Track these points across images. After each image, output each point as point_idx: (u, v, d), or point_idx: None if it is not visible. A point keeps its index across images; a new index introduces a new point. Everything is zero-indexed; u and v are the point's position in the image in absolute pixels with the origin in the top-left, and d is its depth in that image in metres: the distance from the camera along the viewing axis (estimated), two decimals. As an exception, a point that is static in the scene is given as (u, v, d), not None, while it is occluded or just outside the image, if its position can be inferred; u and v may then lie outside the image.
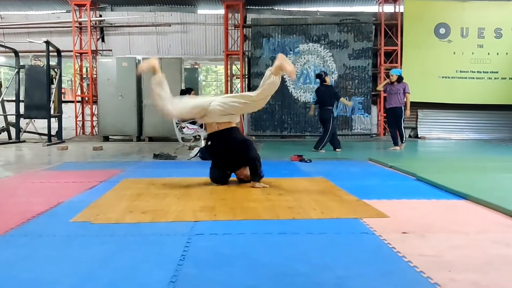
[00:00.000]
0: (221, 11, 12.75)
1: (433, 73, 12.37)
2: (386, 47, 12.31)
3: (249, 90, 12.67)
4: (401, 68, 11.80)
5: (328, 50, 12.21)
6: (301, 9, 13.23)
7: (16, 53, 11.19)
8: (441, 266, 2.13)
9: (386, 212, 3.20)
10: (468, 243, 2.53)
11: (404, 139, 8.89)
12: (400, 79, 8.80)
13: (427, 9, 12.39)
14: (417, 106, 12.51)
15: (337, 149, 8.38)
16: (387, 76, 9.36)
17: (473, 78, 12.46)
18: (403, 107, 8.74)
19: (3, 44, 11.43)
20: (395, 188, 4.39)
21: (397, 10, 12.39)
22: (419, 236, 2.65)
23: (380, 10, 12.34)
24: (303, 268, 2.10)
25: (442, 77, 12.44)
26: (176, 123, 8.04)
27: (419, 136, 12.68)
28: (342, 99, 8.63)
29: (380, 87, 9.49)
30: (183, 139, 8.19)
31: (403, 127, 8.91)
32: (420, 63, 12.28)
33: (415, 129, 12.92)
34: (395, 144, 8.89)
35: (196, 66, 14.03)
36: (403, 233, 2.70)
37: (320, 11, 13.26)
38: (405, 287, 1.90)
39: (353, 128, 12.34)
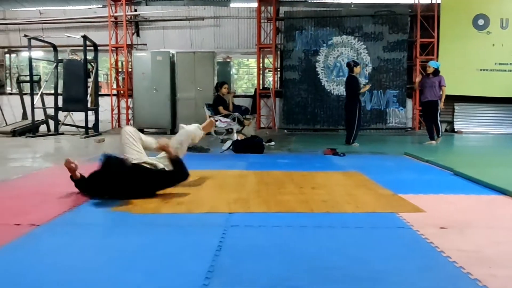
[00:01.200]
0: (254, 4, 12.72)
1: (471, 66, 12.01)
2: (422, 39, 12.02)
3: (281, 83, 12.64)
4: (437, 61, 11.54)
5: (362, 43, 12.03)
6: (335, 1, 13.05)
7: (54, 47, 11.48)
8: (481, 262, 2.08)
9: (423, 207, 3.15)
10: (509, 239, 2.47)
11: (440, 133, 8.70)
12: (436, 72, 8.60)
13: (465, 0, 12.02)
14: (453, 99, 12.18)
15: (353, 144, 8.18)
16: (423, 69, 9.15)
17: (513, 70, 12.03)
18: (439, 101, 8.54)
19: (42, 38, 11.74)
20: (431, 182, 4.31)
21: (433, 1, 12.07)
22: (458, 231, 2.60)
23: (416, 1, 12.04)
24: (340, 262, 2.09)
25: (481, 69, 12.05)
26: (209, 116, 8.12)
27: (455, 130, 12.37)
28: (363, 89, 8.45)
29: (416, 85, 9.27)
30: (216, 132, 8.26)
31: (439, 121, 8.70)
32: (458, 56, 11.93)
33: (451, 123, 12.60)
34: (431, 138, 8.70)
35: (228, 60, 14.09)
36: (441, 228, 2.65)
37: (354, 2, 13.06)
38: (444, 282, 1.87)
39: (388, 121, 12.13)
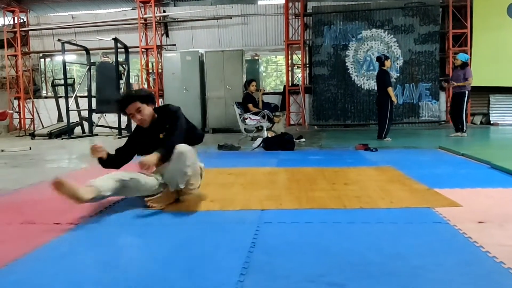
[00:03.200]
0: (281, 0, 12.66)
1: (506, 56, 11.62)
2: (454, 30, 11.72)
3: (310, 79, 12.56)
4: (471, 52, 11.24)
5: (392, 36, 11.82)
6: (363, -6, 12.88)
7: (87, 50, 11.75)
8: (523, 257, 2.02)
9: (459, 201, 3.08)
10: (551, 234, 2.39)
11: (464, 128, 8.49)
12: (464, 64, 8.41)
13: (499, -12, 11.66)
14: (488, 91, 11.85)
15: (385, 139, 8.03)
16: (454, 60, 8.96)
17: (551, 59, 11.59)
18: (466, 93, 8.36)
19: (75, 42, 12.03)
20: (468, 176, 4.20)
21: (466, -9, 11.77)
22: (497, 225, 2.53)
23: (448, -8, 11.77)
24: (375, 257, 2.07)
25: (517, 59, 11.67)
26: (239, 114, 8.15)
27: (491, 122, 12.02)
28: (389, 89, 8.00)
29: (447, 86, 9.10)
30: (246, 130, 8.28)
31: (465, 116, 8.50)
32: (492, 46, 11.58)
33: (486, 115, 12.25)
34: (457, 130, 8.62)
35: (257, 58, 14.09)
36: (479, 222, 2.59)
37: (383, -5, 12.86)
38: (484, 278, 1.82)
39: (421, 115, 11.89)
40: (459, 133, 8.50)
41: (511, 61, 11.63)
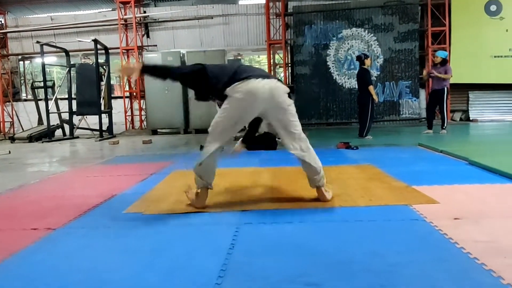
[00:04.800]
0: (262, 0, 12.70)
1: (484, 53, 11.84)
2: (433, 28, 11.89)
3: (292, 78, 12.61)
4: (449, 49, 11.41)
5: (372, 34, 11.93)
6: (343, -7, 12.97)
7: (66, 52, 11.62)
8: (496, 252, 2.07)
9: (437, 198, 3.12)
10: (525, 228, 2.44)
11: (445, 124, 8.65)
12: (444, 61, 8.54)
13: (477, -14, 11.85)
14: (468, 87, 12.06)
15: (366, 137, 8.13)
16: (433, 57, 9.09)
17: (528, 56, 11.83)
18: (445, 89, 8.50)
19: (54, 44, 11.89)
20: (446, 173, 4.26)
21: (444, -11, 11.93)
22: (473, 221, 2.58)
23: (426, -10, 11.93)
24: (354, 256, 2.09)
25: (494, 56, 11.87)
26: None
27: (470, 119, 12.22)
28: (370, 87, 8.07)
29: (424, 77, 9.22)
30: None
31: (445, 111, 8.65)
32: (470, 43, 11.77)
33: (466, 111, 12.46)
34: (429, 127, 8.81)
35: (239, 57, 14.09)
36: (455, 219, 2.63)
37: (363, -6, 12.96)
38: (458, 274, 1.85)
39: (401, 113, 12.03)
40: (430, 131, 8.67)
41: (490, 58, 11.85)
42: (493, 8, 11.81)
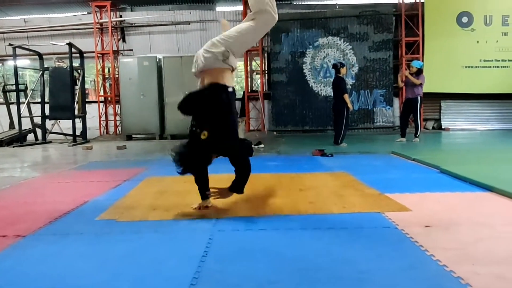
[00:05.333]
0: (240, 7, 12.74)
1: (456, 63, 12.14)
2: (407, 38, 12.13)
3: (269, 85, 12.67)
4: (423, 59, 11.64)
5: (348, 43, 12.10)
6: (320, 2, 13.12)
7: (40, 55, 11.42)
8: (465, 259, 2.11)
9: (409, 206, 3.18)
10: (493, 236, 2.50)
11: (418, 132, 8.84)
12: (419, 71, 8.72)
13: (449, -2, 12.16)
14: (440, 97, 12.32)
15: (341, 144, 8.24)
16: (409, 67, 9.25)
17: (497, 67, 12.17)
18: (418, 98, 8.68)
19: (27, 47, 11.67)
20: (418, 181, 4.34)
21: (417, 0, 12.18)
22: (443, 229, 2.63)
23: (400, 1, 12.15)
24: (325, 263, 2.11)
25: (466, 66, 12.18)
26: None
27: (442, 127, 12.48)
28: (345, 96, 8.16)
29: (400, 79, 9.38)
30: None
31: (419, 120, 8.84)
32: (443, 53, 12.06)
33: (438, 120, 12.72)
34: (402, 135, 8.97)
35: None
36: (426, 226, 2.68)
37: (339, 4, 13.13)
38: (427, 281, 1.89)
39: (375, 121, 12.21)
40: (404, 139, 8.82)
41: (461, 68, 12.14)
42: (464, 20, 12.12)
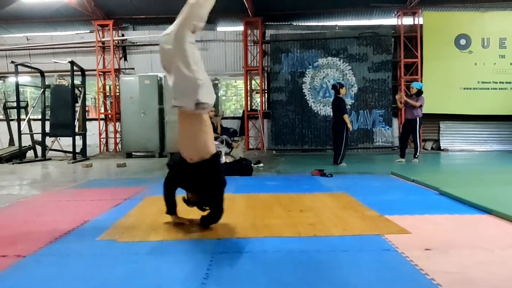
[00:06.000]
0: (240, 28, 12.90)
1: (454, 85, 12.23)
2: (406, 59, 12.25)
3: (268, 105, 12.74)
4: (421, 80, 11.74)
5: (347, 64, 12.21)
6: (320, 23, 13.28)
7: (41, 73, 11.50)
8: (465, 283, 2.12)
9: (408, 228, 3.19)
10: (492, 259, 2.51)
11: (418, 153, 8.86)
12: (419, 92, 8.80)
13: (447, 21, 12.30)
14: (439, 118, 12.38)
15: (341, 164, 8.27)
16: (408, 88, 9.33)
17: (495, 88, 12.27)
18: (418, 119, 8.72)
19: (29, 64, 11.76)
20: (417, 203, 4.35)
21: (416, 22, 12.33)
22: (443, 252, 2.64)
23: (399, 23, 12.30)
24: (326, 287, 2.11)
25: (464, 88, 12.28)
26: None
27: (441, 148, 12.52)
28: (345, 116, 8.22)
29: (398, 98, 9.45)
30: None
31: (418, 141, 8.88)
32: (441, 75, 12.16)
33: (437, 141, 12.76)
34: (402, 156, 8.99)
35: (216, 82, 14.18)
36: (426, 249, 2.69)
37: (338, 25, 13.29)
38: (428, 306, 1.90)
39: (374, 141, 12.26)
40: (403, 160, 8.84)
41: (459, 89, 12.24)
42: (462, 42, 12.27)
